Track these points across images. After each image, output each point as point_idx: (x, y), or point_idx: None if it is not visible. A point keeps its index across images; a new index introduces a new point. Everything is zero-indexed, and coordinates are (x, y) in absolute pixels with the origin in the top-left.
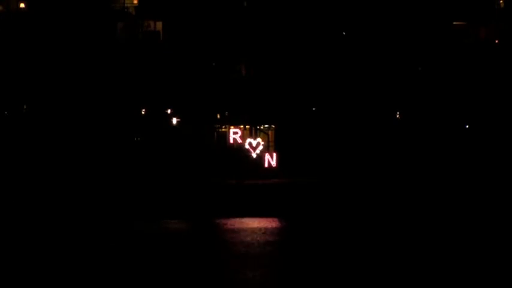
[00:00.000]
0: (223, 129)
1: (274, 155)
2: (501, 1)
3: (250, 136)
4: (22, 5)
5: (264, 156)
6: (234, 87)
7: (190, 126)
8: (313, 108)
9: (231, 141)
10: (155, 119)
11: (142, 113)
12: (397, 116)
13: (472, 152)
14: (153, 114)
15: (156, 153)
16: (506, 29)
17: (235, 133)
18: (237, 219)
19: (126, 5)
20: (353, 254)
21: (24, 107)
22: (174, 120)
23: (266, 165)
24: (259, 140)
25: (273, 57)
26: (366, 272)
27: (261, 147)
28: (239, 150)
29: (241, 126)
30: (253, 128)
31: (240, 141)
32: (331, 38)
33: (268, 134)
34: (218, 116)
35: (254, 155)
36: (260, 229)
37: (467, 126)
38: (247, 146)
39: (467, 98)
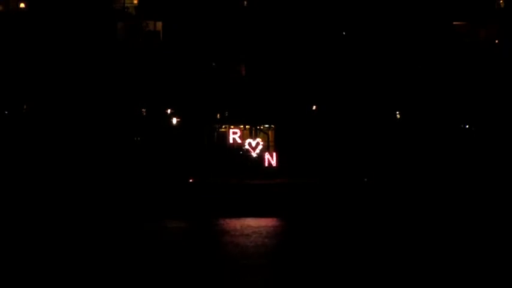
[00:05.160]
0: (223, 129)
1: (274, 154)
2: (501, 1)
3: (250, 136)
4: (22, 5)
5: (264, 156)
6: (234, 87)
7: (190, 126)
8: (313, 108)
9: (231, 141)
10: (155, 119)
11: (143, 113)
12: (397, 116)
13: (472, 152)
14: (153, 114)
15: (155, 153)
16: (506, 29)
17: (235, 133)
18: (237, 219)
19: (126, 5)
20: (352, 254)
21: (24, 107)
22: (174, 120)
23: (266, 165)
24: (259, 140)
25: (272, 57)
26: (365, 273)
27: (260, 147)
28: (239, 150)
29: (241, 126)
30: (253, 128)
31: (239, 141)
32: (331, 38)
33: (268, 134)
34: (218, 116)
35: (254, 155)
36: (260, 229)
37: (467, 126)
38: (247, 146)
39: (467, 98)
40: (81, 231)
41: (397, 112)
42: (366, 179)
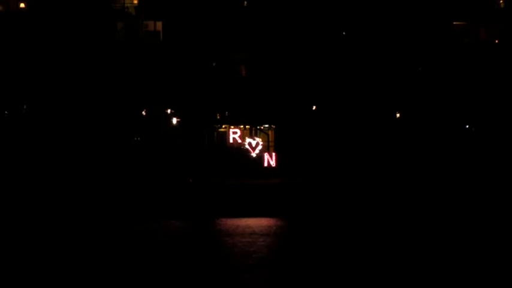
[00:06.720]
0: (223, 129)
1: (274, 155)
2: (501, 1)
3: (250, 136)
4: (22, 5)
5: (264, 156)
6: (234, 87)
7: (190, 126)
8: (313, 108)
9: (231, 141)
10: (155, 119)
11: (143, 113)
12: (397, 116)
13: (472, 152)
14: (153, 114)
15: (155, 153)
16: (506, 29)
17: (234, 133)
18: (237, 219)
19: (126, 5)
20: (352, 255)
21: (24, 107)
22: (174, 120)
23: (266, 165)
24: (258, 140)
25: (272, 57)
26: (363, 273)
27: (260, 147)
28: (239, 150)
29: (241, 126)
30: (253, 128)
31: (239, 141)
32: (331, 38)
33: (268, 134)
34: (218, 116)
35: (254, 155)
36: (259, 229)
37: (467, 127)
38: (246, 146)
39: (467, 98)
40: (80, 230)
41: (398, 112)
42: (366, 180)
